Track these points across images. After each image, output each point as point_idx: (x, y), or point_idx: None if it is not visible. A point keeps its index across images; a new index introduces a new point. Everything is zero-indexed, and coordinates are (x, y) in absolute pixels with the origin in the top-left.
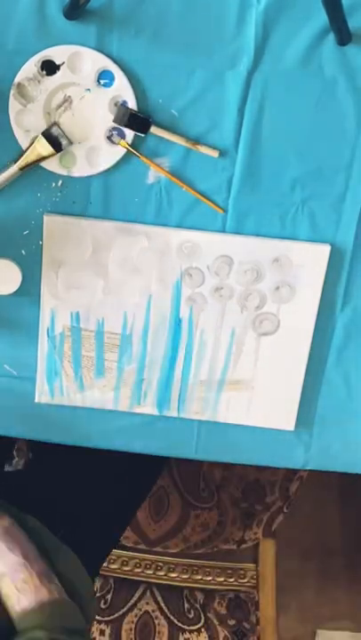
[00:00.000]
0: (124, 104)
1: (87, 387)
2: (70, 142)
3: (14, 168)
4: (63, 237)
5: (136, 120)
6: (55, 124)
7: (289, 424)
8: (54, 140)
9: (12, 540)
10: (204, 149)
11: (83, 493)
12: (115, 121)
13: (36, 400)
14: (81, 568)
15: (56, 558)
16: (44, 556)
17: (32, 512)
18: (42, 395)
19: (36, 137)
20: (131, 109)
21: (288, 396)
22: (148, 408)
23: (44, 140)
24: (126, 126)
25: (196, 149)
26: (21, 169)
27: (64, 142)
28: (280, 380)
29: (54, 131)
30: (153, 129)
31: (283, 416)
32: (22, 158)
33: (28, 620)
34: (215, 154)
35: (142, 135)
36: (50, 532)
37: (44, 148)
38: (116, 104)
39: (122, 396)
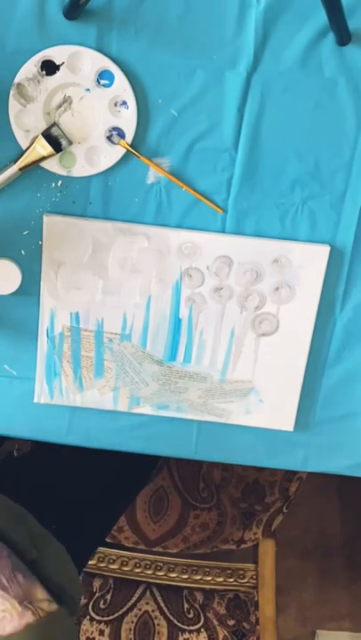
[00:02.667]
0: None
1: (87, 387)
2: (70, 142)
3: (14, 168)
4: (63, 237)
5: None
6: (55, 124)
7: (288, 425)
8: (54, 140)
9: None
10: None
11: (76, 488)
12: None
13: (35, 400)
14: (69, 562)
15: (44, 548)
16: (22, 562)
17: (24, 503)
18: (41, 395)
19: (36, 137)
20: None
21: (287, 397)
22: (148, 408)
23: (43, 141)
24: None
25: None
26: (21, 169)
27: (64, 142)
28: (279, 380)
29: (54, 131)
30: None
31: (282, 416)
32: (22, 158)
33: None
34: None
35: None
36: (38, 524)
37: (43, 148)
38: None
39: (121, 397)
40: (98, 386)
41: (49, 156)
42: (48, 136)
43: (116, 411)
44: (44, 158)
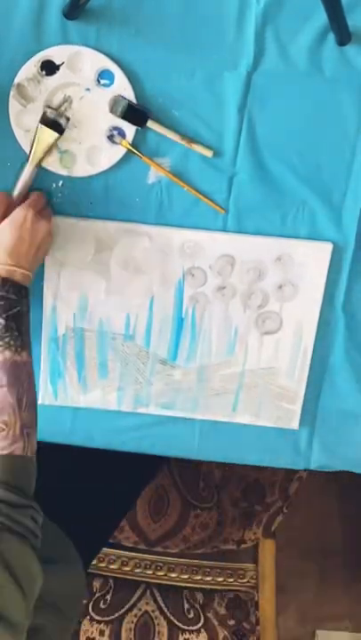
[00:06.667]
0: (122, 96)
1: (90, 387)
2: (68, 118)
3: (29, 168)
4: (65, 238)
5: (134, 112)
6: (48, 106)
7: (293, 423)
8: (53, 123)
9: (15, 377)
10: (198, 148)
11: (78, 489)
12: (111, 111)
13: (40, 401)
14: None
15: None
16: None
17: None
18: (45, 396)
19: (37, 129)
20: (129, 101)
21: (292, 395)
22: (152, 408)
23: (45, 128)
24: (123, 118)
25: (191, 147)
26: (37, 166)
27: (63, 121)
28: (284, 378)
29: (49, 114)
30: (150, 123)
31: (287, 415)
32: (32, 155)
33: None
34: (209, 153)
35: (139, 128)
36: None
37: (47, 135)
38: (114, 97)
39: (125, 397)
40: (102, 386)
41: (56, 142)
42: (46, 123)
43: (117, 411)
44: (51, 146)
